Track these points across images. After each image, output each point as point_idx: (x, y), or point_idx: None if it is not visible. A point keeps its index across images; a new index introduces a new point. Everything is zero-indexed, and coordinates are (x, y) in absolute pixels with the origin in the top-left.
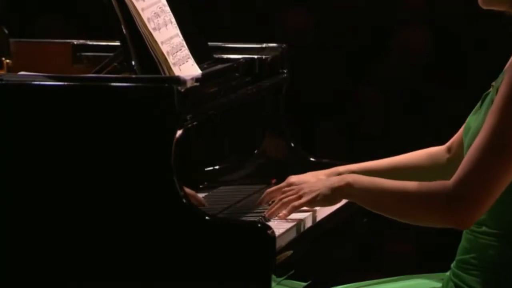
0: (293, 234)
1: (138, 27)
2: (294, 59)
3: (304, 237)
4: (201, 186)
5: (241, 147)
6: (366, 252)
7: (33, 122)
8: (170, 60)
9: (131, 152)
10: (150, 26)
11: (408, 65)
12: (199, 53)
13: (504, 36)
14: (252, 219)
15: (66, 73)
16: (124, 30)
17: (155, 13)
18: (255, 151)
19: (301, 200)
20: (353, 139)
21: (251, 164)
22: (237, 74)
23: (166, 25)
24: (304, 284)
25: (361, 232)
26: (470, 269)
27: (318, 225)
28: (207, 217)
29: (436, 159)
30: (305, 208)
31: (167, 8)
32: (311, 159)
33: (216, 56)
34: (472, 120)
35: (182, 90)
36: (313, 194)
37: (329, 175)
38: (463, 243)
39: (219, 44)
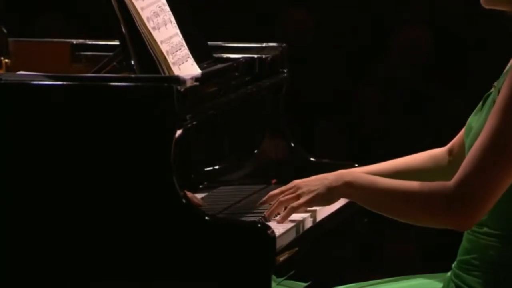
0: (293, 234)
1: (138, 26)
2: (294, 58)
3: (305, 237)
4: (201, 186)
5: (241, 147)
6: (367, 253)
7: (32, 121)
8: (170, 59)
9: (131, 152)
10: (150, 25)
11: (408, 65)
12: (199, 53)
13: (505, 36)
14: (252, 219)
15: (65, 72)
16: (123, 30)
17: (154, 12)
18: (255, 151)
19: (299, 201)
20: (353, 139)
21: (251, 164)
22: (237, 74)
23: (165, 25)
24: (305, 284)
25: (361, 232)
26: (471, 269)
27: (319, 225)
28: (206, 217)
29: (438, 161)
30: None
31: (167, 7)
32: (311, 159)
33: (215, 55)
34: (473, 120)
35: (182, 89)
36: (312, 195)
37: None
38: (464, 243)
39: (219, 43)
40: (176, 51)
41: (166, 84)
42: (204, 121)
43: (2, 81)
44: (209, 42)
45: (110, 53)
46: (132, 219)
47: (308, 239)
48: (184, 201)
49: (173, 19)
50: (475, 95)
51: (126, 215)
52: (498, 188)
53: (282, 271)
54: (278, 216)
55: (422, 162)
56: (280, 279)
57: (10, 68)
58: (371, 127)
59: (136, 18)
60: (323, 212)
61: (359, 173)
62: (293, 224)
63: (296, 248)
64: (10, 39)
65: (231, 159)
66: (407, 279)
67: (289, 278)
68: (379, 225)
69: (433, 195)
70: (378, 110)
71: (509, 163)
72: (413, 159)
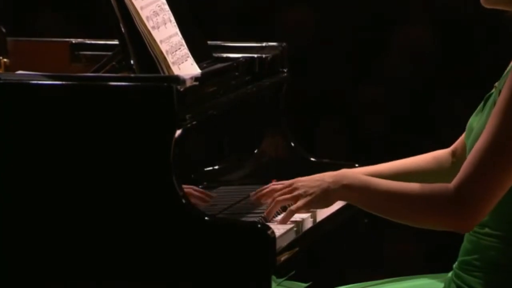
0: (293, 235)
1: (137, 25)
2: (294, 58)
3: (305, 237)
4: (200, 186)
5: (241, 147)
6: (367, 253)
7: (31, 121)
8: (169, 59)
9: (130, 151)
10: (149, 25)
11: (410, 64)
12: (199, 52)
13: (507, 36)
14: (252, 219)
15: (64, 72)
16: (122, 29)
17: (154, 11)
18: (255, 151)
19: (297, 204)
20: (353, 139)
21: (251, 164)
22: (236, 73)
23: (165, 24)
24: (305, 285)
25: (362, 232)
26: (472, 270)
27: (319, 226)
28: (206, 218)
29: (442, 163)
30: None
31: (166, 7)
32: (311, 159)
33: (215, 55)
34: (474, 121)
35: (182, 89)
36: (309, 197)
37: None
38: (465, 244)
39: (219, 43)
40: (176, 50)
41: (165, 84)
42: (204, 121)
43: (1, 81)
44: (208, 42)
45: (110, 53)
46: (132, 219)
47: (308, 239)
48: (183, 201)
49: (172, 18)
50: (477, 95)
51: (126, 215)
52: (499, 190)
53: (283, 272)
54: (278, 216)
55: (425, 164)
56: (280, 280)
57: (9, 68)
58: (371, 127)
59: (136, 18)
60: (323, 212)
61: (357, 175)
62: (293, 224)
63: (297, 249)
64: (9, 39)
65: (231, 159)
66: (407, 279)
67: (290, 279)
68: (379, 226)
69: (434, 197)
70: (378, 110)
71: (509, 164)
72: (417, 161)
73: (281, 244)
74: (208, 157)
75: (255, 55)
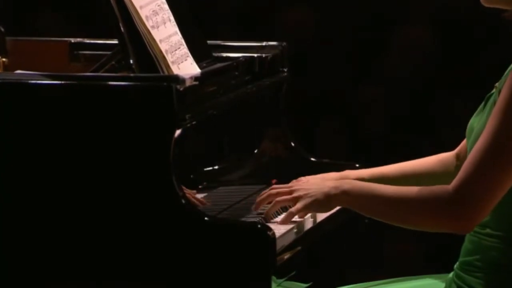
0: (293, 235)
1: (136, 25)
2: (294, 58)
3: (305, 238)
4: (200, 186)
5: (241, 147)
6: (367, 253)
7: (30, 121)
8: (169, 58)
9: (130, 151)
10: (149, 24)
11: (410, 64)
12: (198, 52)
13: (509, 36)
14: (252, 219)
15: (63, 71)
16: (122, 28)
17: (153, 11)
18: (255, 151)
19: (297, 206)
20: (353, 139)
21: (251, 164)
22: (236, 73)
23: (164, 23)
24: (305, 285)
25: (362, 232)
26: (473, 270)
27: (319, 226)
28: (206, 218)
29: (447, 165)
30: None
31: (166, 6)
32: (311, 159)
33: (215, 54)
34: (475, 121)
35: (181, 89)
36: (309, 200)
37: (338, 179)
38: (466, 244)
39: (219, 42)
40: (175, 50)
41: (165, 84)
42: (203, 120)
43: None
44: (208, 41)
45: (109, 52)
46: (131, 219)
47: (308, 239)
48: (183, 201)
49: (172, 17)
50: (477, 95)
51: (125, 215)
52: (499, 190)
53: (283, 272)
54: (278, 217)
55: (430, 166)
56: (280, 280)
57: (8, 67)
58: (371, 127)
59: (135, 17)
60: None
61: (358, 181)
62: (293, 224)
63: (297, 249)
64: (7, 38)
65: (231, 159)
66: (408, 280)
67: (290, 279)
68: (380, 226)
69: (432, 199)
70: (378, 110)
71: (509, 165)
72: (421, 163)
73: (281, 244)
74: (208, 157)
75: (255, 55)
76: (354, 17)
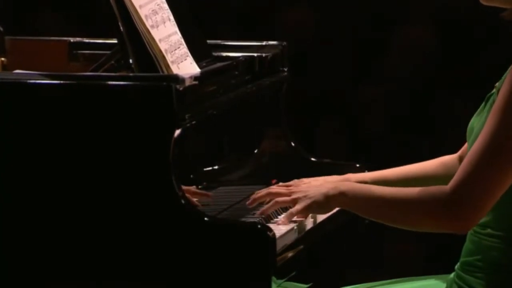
0: (294, 236)
1: (136, 24)
2: (295, 58)
3: (305, 238)
4: (200, 186)
5: (240, 147)
6: (368, 253)
7: (29, 121)
8: (168, 58)
9: (129, 151)
10: (148, 24)
11: (410, 64)
12: (198, 51)
13: (509, 36)
14: (252, 220)
15: (62, 71)
16: (121, 28)
17: (153, 10)
18: (255, 151)
19: (297, 207)
20: (353, 139)
21: (251, 164)
22: (236, 73)
23: (164, 23)
24: (305, 286)
25: (362, 233)
26: (474, 271)
27: (319, 226)
28: (206, 218)
29: (449, 168)
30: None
31: (165, 5)
32: (311, 159)
33: (215, 54)
34: (475, 121)
35: (181, 88)
36: (309, 201)
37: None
38: (467, 244)
39: (219, 41)
40: (175, 49)
41: (164, 83)
42: (203, 120)
43: None
44: (208, 41)
45: (108, 52)
46: (132, 219)
47: (309, 240)
48: (183, 201)
49: (171, 17)
50: (477, 95)
51: (125, 215)
52: (497, 190)
53: (283, 273)
54: (279, 217)
55: (432, 169)
56: (280, 281)
57: (7, 67)
58: (371, 127)
59: (134, 16)
60: None
61: (357, 183)
62: (293, 225)
63: (297, 249)
64: (6, 37)
65: (231, 159)
66: (409, 280)
67: (290, 280)
68: (380, 226)
69: (430, 199)
70: (378, 110)
71: (508, 164)
72: (424, 166)
73: (281, 244)
74: (208, 157)
75: (255, 54)
76: (354, 17)
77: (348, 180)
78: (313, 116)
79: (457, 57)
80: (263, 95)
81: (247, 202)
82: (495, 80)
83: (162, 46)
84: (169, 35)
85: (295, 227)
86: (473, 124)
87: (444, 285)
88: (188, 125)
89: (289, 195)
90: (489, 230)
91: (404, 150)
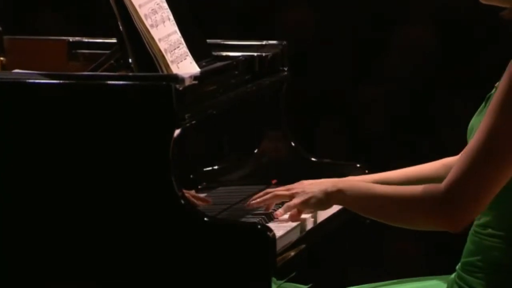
0: (294, 236)
1: (135, 23)
2: (295, 58)
3: (306, 238)
4: (200, 186)
5: (240, 147)
6: (368, 253)
7: (28, 121)
8: (168, 57)
9: (129, 151)
10: (147, 23)
11: (410, 64)
12: (198, 51)
13: (509, 36)
14: (252, 220)
15: (61, 70)
16: (121, 27)
17: (152, 9)
18: (255, 151)
19: (294, 201)
20: (353, 139)
21: (251, 164)
22: (236, 72)
23: (163, 22)
24: (306, 287)
25: (363, 232)
26: (475, 271)
27: (320, 227)
28: (206, 218)
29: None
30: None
31: (165, 5)
32: (312, 159)
33: (215, 53)
34: (475, 121)
35: (180, 88)
36: (306, 196)
37: None
38: (468, 245)
39: (218, 41)
40: (175, 49)
41: (164, 83)
42: (203, 120)
43: None
44: (208, 40)
45: (107, 51)
46: (131, 219)
47: (309, 240)
48: (182, 201)
49: (171, 16)
50: (477, 95)
51: (125, 215)
52: (492, 188)
53: (283, 273)
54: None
55: (434, 171)
56: (280, 282)
57: (6, 67)
58: (371, 127)
59: (134, 16)
60: (324, 213)
61: (356, 181)
62: (294, 225)
63: (297, 250)
64: (5, 37)
65: (230, 159)
66: (410, 281)
67: (290, 280)
68: (380, 226)
69: (425, 197)
70: (378, 110)
71: (502, 162)
72: (426, 168)
73: (281, 245)
74: (208, 157)
75: (255, 54)
76: (354, 17)
77: (348, 181)
78: (313, 116)
79: (457, 57)
80: (263, 94)
81: (246, 204)
82: (495, 80)
83: (162, 46)
84: (169, 35)
85: (296, 227)
86: (473, 124)
87: (445, 285)
88: (187, 125)
89: (287, 190)
90: (490, 230)
91: (404, 150)
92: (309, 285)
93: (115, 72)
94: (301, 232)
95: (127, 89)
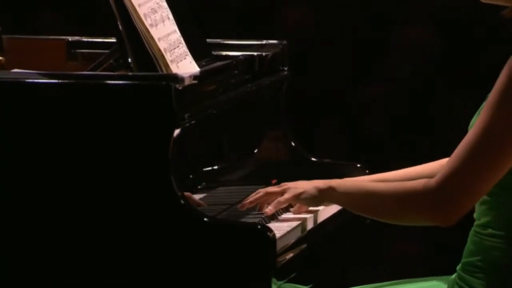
0: (294, 236)
1: (135, 23)
2: (295, 58)
3: (306, 238)
4: (199, 186)
5: (240, 147)
6: (368, 253)
7: (27, 120)
8: (168, 57)
9: (128, 151)
10: (147, 22)
11: (410, 64)
12: (198, 50)
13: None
14: (252, 220)
15: (60, 70)
16: (120, 27)
17: (152, 8)
18: (255, 151)
19: (285, 196)
20: (353, 139)
21: (251, 164)
22: (236, 72)
23: (163, 21)
24: (305, 287)
25: (363, 232)
26: (475, 271)
27: (320, 227)
28: (206, 218)
29: None
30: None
31: (165, 4)
32: (312, 159)
33: (215, 53)
34: (475, 121)
35: (180, 88)
36: (298, 191)
37: None
38: (468, 245)
39: (218, 40)
40: (174, 48)
41: (164, 82)
42: (203, 120)
43: None
44: (208, 40)
45: (107, 51)
46: (131, 219)
47: (309, 240)
48: (182, 201)
49: (171, 16)
50: (477, 95)
51: (124, 215)
52: (483, 184)
53: (283, 274)
54: (283, 215)
55: (432, 172)
56: (280, 282)
57: (5, 66)
58: (371, 127)
59: (133, 15)
60: (325, 213)
61: (349, 180)
62: (294, 225)
63: (297, 250)
64: (4, 36)
65: (230, 159)
66: (410, 282)
67: (290, 281)
68: (381, 226)
69: (415, 192)
70: (378, 110)
71: (497, 157)
72: (426, 168)
73: (281, 245)
74: (208, 156)
75: (255, 53)
76: (354, 17)
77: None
78: (313, 116)
79: (457, 57)
80: (263, 94)
81: (239, 206)
82: (495, 80)
83: (161, 45)
84: (168, 34)
85: (296, 228)
86: (473, 124)
87: (446, 286)
88: (187, 124)
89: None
90: (490, 230)
91: (404, 150)
92: (309, 286)
93: (114, 71)
94: (301, 232)
95: (127, 88)
